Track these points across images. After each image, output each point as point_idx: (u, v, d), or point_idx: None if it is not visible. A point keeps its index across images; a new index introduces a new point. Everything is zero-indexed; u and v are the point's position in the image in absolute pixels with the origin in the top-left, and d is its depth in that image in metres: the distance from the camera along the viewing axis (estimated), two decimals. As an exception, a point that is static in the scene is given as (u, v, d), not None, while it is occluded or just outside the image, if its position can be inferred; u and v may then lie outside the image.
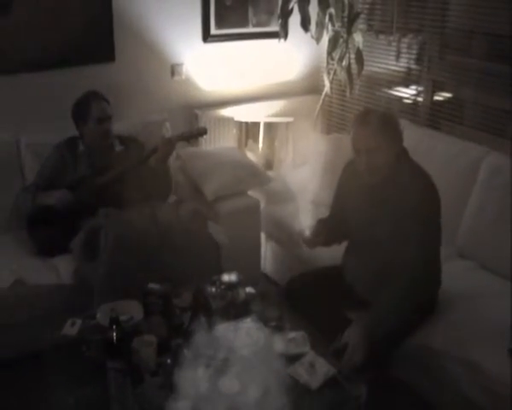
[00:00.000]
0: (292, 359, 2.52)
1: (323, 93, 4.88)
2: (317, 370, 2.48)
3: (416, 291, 2.80)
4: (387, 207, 2.86)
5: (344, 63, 4.60)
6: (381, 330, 2.74)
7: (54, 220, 3.53)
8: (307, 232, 3.05)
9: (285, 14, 4.47)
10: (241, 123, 4.79)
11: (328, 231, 3.08)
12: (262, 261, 4.38)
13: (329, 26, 4.55)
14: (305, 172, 4.43)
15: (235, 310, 2.82)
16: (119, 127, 3.94)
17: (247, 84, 4.95)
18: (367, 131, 2.80)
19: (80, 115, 3.71)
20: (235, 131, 4.82)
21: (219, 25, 4.68)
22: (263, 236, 4.37)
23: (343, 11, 4.50)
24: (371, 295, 2.90)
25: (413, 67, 4.56)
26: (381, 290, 2.82)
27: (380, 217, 2.89)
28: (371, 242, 2.93)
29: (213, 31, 4.67)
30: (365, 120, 2.84)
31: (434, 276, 3.00)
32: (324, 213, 3.24)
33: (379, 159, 2.81)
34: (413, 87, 4.59)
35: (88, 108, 3.67)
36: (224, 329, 2.64)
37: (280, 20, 4.51)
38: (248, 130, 4.79)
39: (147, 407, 2.25)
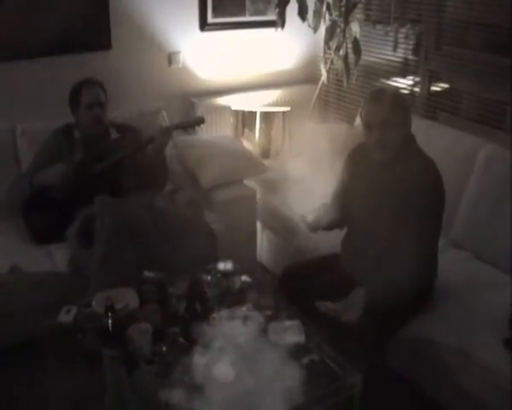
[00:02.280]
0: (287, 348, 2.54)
1: (320, 82, 4.88)
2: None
3: (409, 276, 2.82)
4: (393, 191, 2.87)
5: (341, 53, 4.60)
6: (378, 299, 2.77)
7: (50, 207, 3.53)
8: (310, 216, 3.07)
9: (282, 3, 4.46)
10: (237, 112, 4.79)
11: (330, 215, 3.09)
12: (258, 250, 4.39)
13: (327, 16, 4.55)
14: (301, 162, 4.43)
15: (231, 298, 2.83)
16: (115, 115, 3.94)
17: (244, 73, 4.95)
18: (381, 106, 2.83)
19: (73, 102, 3.70)
20: (231, 119, 4.82)
21: (216, 13, 4.68)
22: (259, 225, 4.37)
23: (340, 0, 4.50)
24: (370, 281, 2.91)
25: (410, 57, 4.56)
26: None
27: (384, 201, 2.90)
28: (374, 226, 2.94)
29: (210, 19, 4.67)
30: (379, 96, 2.87)
31: (431, 266, 3.00)
32: (320, 201, 3.24)
33: (390, 135, 2.83)
34: (410, 77, 4.59)
35: (79, 93, 3.66)
36: (219, 317, 2.65)
37: (277, 9, 4.51)
38: (245, 119, 4.79)
39: (142, 394, 2.25)
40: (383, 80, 4.79)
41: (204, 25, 4.66)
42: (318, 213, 3.10)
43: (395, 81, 4.69)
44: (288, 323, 2.68)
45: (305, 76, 5.19)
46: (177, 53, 4.62)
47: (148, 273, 2.87)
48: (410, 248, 2.79)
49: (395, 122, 2.83)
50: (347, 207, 3.13)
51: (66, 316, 2.71)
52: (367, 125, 2.89)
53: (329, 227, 3.18)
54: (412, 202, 2.77)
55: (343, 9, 4.49)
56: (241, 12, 4.79)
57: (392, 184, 2.89)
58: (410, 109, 2.94)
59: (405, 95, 2.89)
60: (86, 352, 2.50)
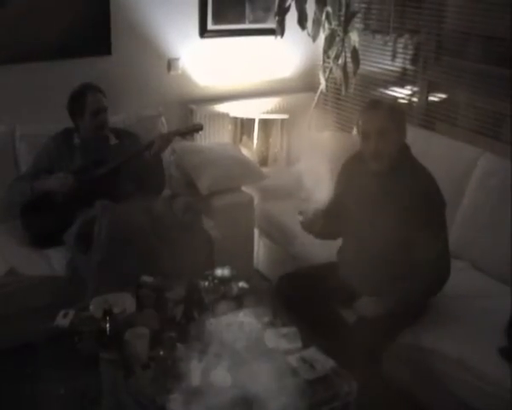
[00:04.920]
0: (283, 354, 2.55)
1: (319, 91, 4.89)
2: (315, 364, 2.51)
3: (436, 281, 2.94)
4: (390, 201, 2.89)
5: (340, 62, 4.61)
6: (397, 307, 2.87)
7: (48, 210, 3.53)
8: (305, 216, 3.06)
9: (282, 12, 4.48)
10: (236, 119, 4.80)
11: (323, 223, 3.09)
12: (255, 257, 4.40)
13: (326, 25, 4.56)
14: (298, 170, 4.45)
15: (228, 305, 2.84)
16: (114, 121, 3.94)
17: (243, 81, 4.96)
18: (378, 115, 2.86)
19: (76, 108, 3.70)
20: (230, 126, 4.83)
21: (216, 20, 4.69)
22: (256, 232, 4.38)
23: (340, 10, 4.52)
24: (369, 287, 2.94)
25: (408, 67, 4.57)
26: (402, 277, 2.88)
27: (382, 209, 2.91)
28: (372, 234, 2.95)
29: (210, 26, 4.67)
30: (376, 105, 2.93)
31: (447, 267, 2.97)
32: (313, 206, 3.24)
33: (386, 144, 2.86)
34: (408, 87, 4.60)
35: (84, 100, 3.67)
36: (216, 323, 2.66)
37: (277, 17, 4.52)
38: (243, 126, 4.80)
39: (139, 398, 2.26)
40: (381, 90, 4.80)
41: (204, 32, 4.67)
42: (312, 217, 3.09)
43: (393, 91, 4.71)
44: (284, 330, 2.70)
45: (303, 84, 5.21)
46: (177, 59, 4.63)
47: (145, 278, 2.88)
48: (421, 253, 2.83)
49: (391, 132, 2.85)
50: (342, 218, 3.13)
51: (64, 320, 2.71)
52: (364, 135, 2.91)
53: (321, 235, 3.18)
54: (412, 209, 2.79)
55: (342, 19, 4.51)
56: (241, 19, 4.80)
57: (389, 194, 2.90)
58: (405, 120, 2.97)
59: (401, 105, 2.93)
60: (83, 356, 2.50)
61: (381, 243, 2.90)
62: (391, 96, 4.71)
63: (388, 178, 2.91)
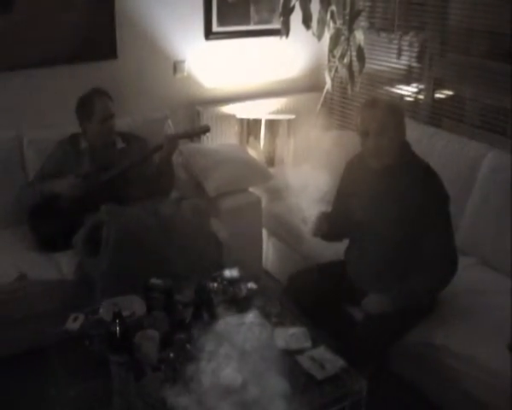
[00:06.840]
0: (293, 354, 2.55)
1: (325, 90, 4.89)
2: (325, 363, 2.51)
3: (443, 276, 2.93)
4: (395, 198, 2.90)
5: (345, 61, 4.61)
6: (404, 304, 2.87)
7: (57, 215, 3.55)
8: (310, 222, 3.07)
9: (287, 12, 4.48)
10: (242, 120, 4.81)
11: (329, 225, 3.09)
12: (263, 257, 4.40)
13: (331, 24, 4.56)
14: (306, 170, 4.44)
15: (237, 305, 2.84)
16: (121, 124, 3.94)
17: (249, 82, 4.97)
18: (376, 113, 2.87)
19: (84, 114, 3.72)
20: (236, 128, 4.83)
21: (221, 22, 4.69)
22: (264, 232, 4.38)
23: (344, 8, 4.52)
24: (376, 286, 2.94)
25: (414, 64, 4.57)
26: (409, 274, 2.90)
27: (385, 206, 2.91)
28: (377, 232, 2.96)
29: (215, 28, 4.68)
30: (375, 104, 2.93)
31: (454, 262, 2.97)
32: (325, 209, 3.25)
33: (386, 142, 2.87)
34: (414, 85, 4.60)
35: (92, 106, 3.68)
36: (225, 324, 2.67)
37: (281, 18, 4.52)
38: (250, 127, 4.80)
39: (149, 400, 2.26)
40: (387, 88, 4.80)
41: (209, 33, 4.68)
42: (318, 219, 3.10)
43: (399, 89, 4.70)
44: (293, 329, 2.70)
45: (309, 84, 5.21)
46: (183, 62, 4.64)
47: (154, 280, 2.88)
48: (427, 249, 2.86)
49: (390, 129, 2.86)
50: (346, 219, 3.13)
51: (74, 323, 2.73)
52: (363, 133, 2.92)
53: (328, 238, 3.19)
54: (415, 205, 2.80)
55: (347, 17, 4.52)
56: (246, 21, 4.81)
57: (392, 192, 2.91)
58: (403, 117, 2.97)
59: (399, 103, 2.94)
60: (94, 359, 2.51)
61: (387, 241, 2.91)
62: (397, 93, 4.71)
63: (389, 175, 2.92)
